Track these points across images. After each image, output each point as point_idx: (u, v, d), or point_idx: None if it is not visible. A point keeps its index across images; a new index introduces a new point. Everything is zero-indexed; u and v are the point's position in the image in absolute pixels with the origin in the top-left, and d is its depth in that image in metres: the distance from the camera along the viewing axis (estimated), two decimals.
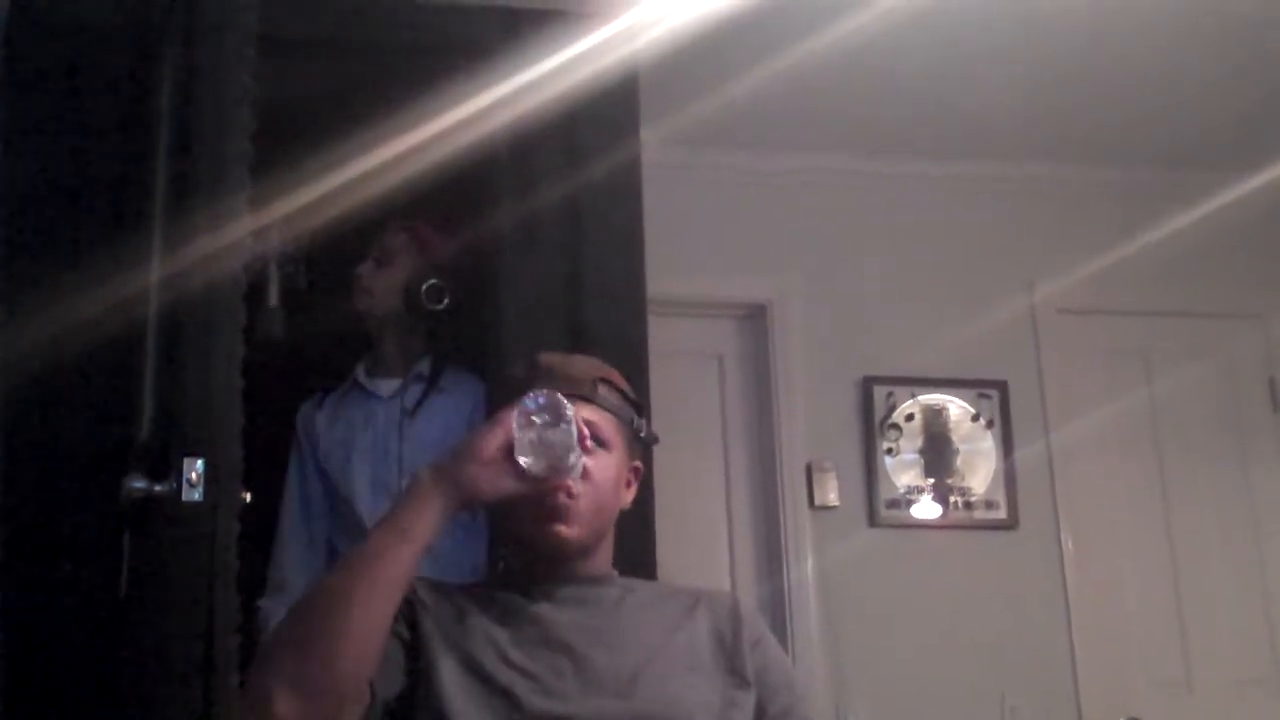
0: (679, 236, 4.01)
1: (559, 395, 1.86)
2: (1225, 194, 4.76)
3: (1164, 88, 4.24)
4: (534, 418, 1.84)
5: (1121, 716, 4.41)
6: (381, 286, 3.22)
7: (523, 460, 1.83)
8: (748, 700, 1.90)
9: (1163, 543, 4.66)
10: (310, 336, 3.31)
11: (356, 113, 2.91)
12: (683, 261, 4.13)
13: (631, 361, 2.85)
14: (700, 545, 4.35)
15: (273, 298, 3.24)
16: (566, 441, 1.85)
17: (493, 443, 1.82)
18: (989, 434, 4.60)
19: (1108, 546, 4.60)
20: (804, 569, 4.34)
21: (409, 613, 1.86)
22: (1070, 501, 4.59)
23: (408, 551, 1.74)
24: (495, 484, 1.82)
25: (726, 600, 2.03)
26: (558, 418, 1.84)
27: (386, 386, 3.19)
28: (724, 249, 4.57)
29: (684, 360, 4.40)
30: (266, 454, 3.06)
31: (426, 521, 1.77)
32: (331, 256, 3.30)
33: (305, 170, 2.80)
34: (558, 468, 1.86)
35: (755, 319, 4.62)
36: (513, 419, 1.84)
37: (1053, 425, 4.64)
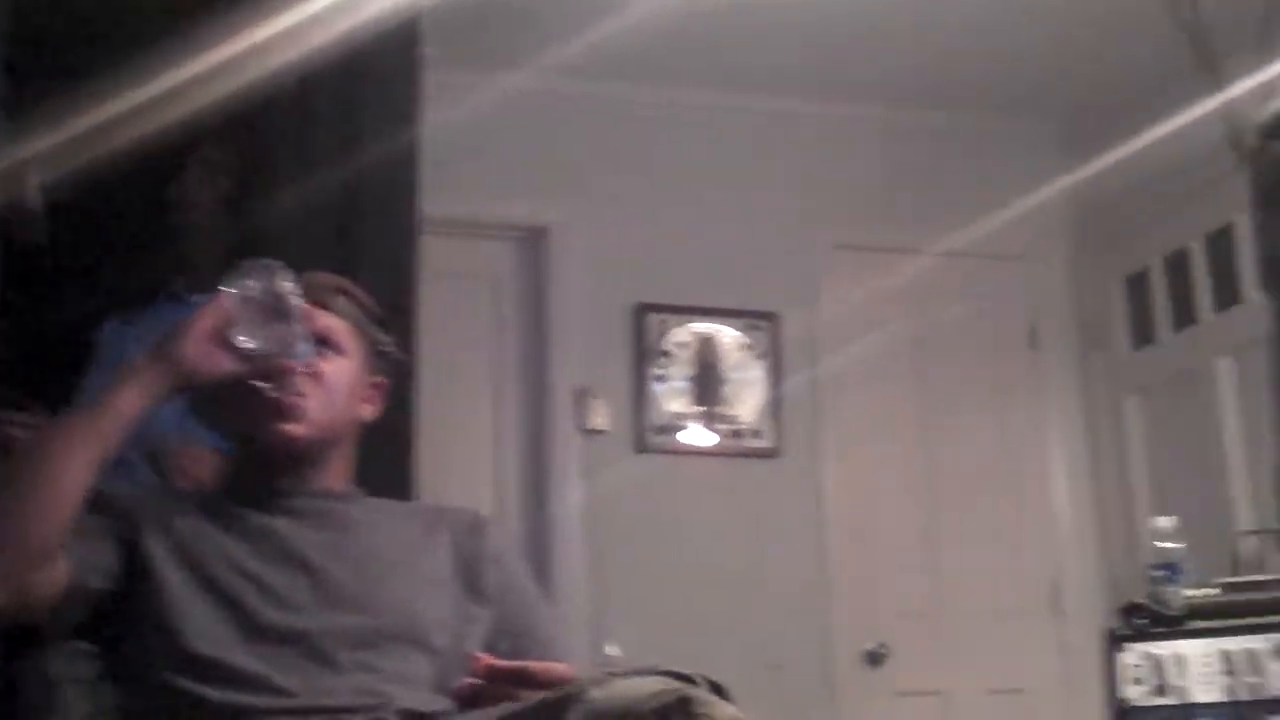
0: (461, 156, 3.99)
1: (271, 261, 1.82)
2: (998, 136, 4.93)
3: (942, 27, 4.36)
4: (249, 282, 1.80)
5: (869, 644, 4.58)
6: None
7: (241, 340, 1.79)
8: (486, 617, 1.90)
9: (921, 476, 4.82)
10: (89, 251, 3.23)
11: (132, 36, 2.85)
12: (464, 181, 4.11)
13: (402, 281, 2.84)
14: (465, 467, 4.35)
15: (32, 201, 3.14)
16: (287, 326, 1.81)
17: (207, 320, 1.80)
18: (759, 364, 4.69)
19: (867, 478, 4.75)
20: (571, 493, 4.39)
21: (129, 517, 1.83)
22: (834, 432, 4.72)
23: (108, 425, 1.72)
24: (213, 363, 1.79)
25: (469, 516, 2.02)
26: (269, 280, 1.80)
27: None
28: (506, 170, 4.54)
29: (459, 281, 4.37)
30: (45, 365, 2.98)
31: (133, 398, 1.75)
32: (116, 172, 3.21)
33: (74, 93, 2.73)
34: (278, 348, 1.82)
35: (534, 242, 4.62)
36: (228, 297, 1.81)
37: (821, 358, 4.74)
